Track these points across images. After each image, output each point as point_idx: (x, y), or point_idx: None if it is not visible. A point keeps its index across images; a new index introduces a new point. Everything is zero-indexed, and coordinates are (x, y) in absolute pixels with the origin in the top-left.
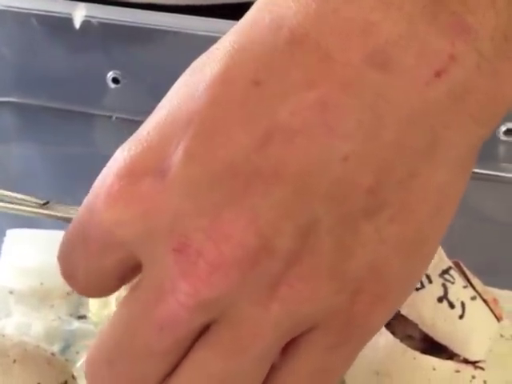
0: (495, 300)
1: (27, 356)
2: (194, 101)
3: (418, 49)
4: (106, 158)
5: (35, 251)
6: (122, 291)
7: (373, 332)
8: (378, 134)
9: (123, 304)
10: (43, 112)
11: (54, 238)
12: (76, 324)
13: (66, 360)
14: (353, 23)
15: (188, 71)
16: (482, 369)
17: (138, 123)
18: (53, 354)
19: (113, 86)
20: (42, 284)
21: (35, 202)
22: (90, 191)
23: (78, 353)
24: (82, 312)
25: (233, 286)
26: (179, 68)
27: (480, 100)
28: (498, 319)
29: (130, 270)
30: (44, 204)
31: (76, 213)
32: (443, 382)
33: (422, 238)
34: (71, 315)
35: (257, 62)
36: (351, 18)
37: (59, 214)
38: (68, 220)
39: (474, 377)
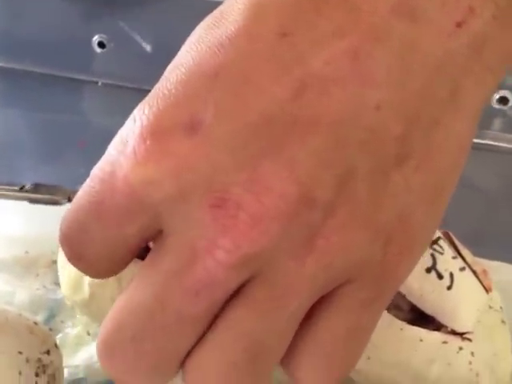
0: (485, 271)
1: (8, 324)
2: (217, 56)
3: (440, 0)
4: (91, 124)
5: (20, 220)
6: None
7: (399, 285)
8: (407, 83)
9: (143, 275)
10: (27, 77)
11: (38, 207)
12: (61, 293)
13: (51, 329)
14: None
15: (201, 29)
16: (469, 340)
17: (125, 89)
18: (35, 323)
19: (99, 50)
20: (26, 253)
21: (11, 189)
22: (105, 157)
23: (62, 322)
24: None
25: (274, 239)
26: (166, 31)
27: (495, 51)
28: (487, 290)
29: (145, 240)
30: (20, 189)
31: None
32: (430, 353)
33: (442, 188)
34: (56, 284)
35: (281, 15)
36: None
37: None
38: (45, 201)
39: (461, 348)
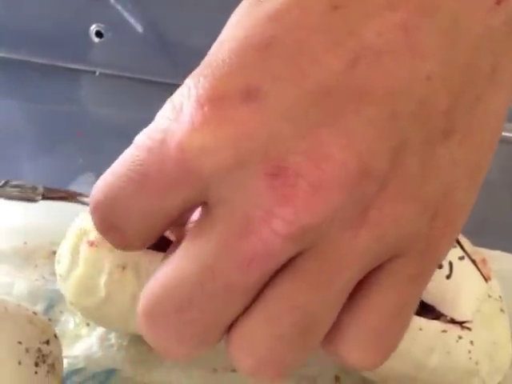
0: (484, 260)
1: (7, 315)
2: (268, 27)
3: None
4: (89, 114)
5: (19, 211)
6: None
7: (441, 260)
8: (454, 57)
9: (190, 246)
10: (24, 67)
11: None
12: None
13: (50, 320)
14: None
15: (247, 5)
16: (468, 329)
17: (123, 78)
18: (35, 313)
19: (96, 39)
20: (25, 243)
21: None
22: (153, 125)
23: (61, 312)
24: None
25: (334, 209)
26: (165, 19)
27: None
28: (486, 279)
29: (184, 212)
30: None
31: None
32: (429, 342)
33: (482, 164)
34: (55, 275)
35: None
36: None
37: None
38: (18, 198)
39: (460, 337)
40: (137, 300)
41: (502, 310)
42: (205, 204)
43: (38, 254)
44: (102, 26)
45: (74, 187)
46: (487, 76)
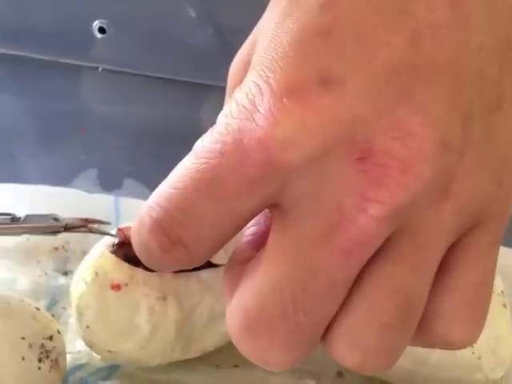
0: None
1: (11, 310)
2: (324, 16)
3: None
4: (91, 110)
5: (20, 205)
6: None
7: (506, 225)
8: (496, 27)
9: (277, 249)
10: (27, 63)
11: (38, 192)
12: (62, 280)
13: (53, 316)
14: None
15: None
16: None
17: (126, 75)
18: (38, 309)
19: (99, 35)
20: (27, 239)
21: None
22: (220, 129)
23: (64, 308)
24: (69, 267)
25: (424, 184)
26: (169, 15)
27: None
28: None
29: (256, 215)
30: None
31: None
32: None
33: None
34: (57, 271)
35: None
36: None
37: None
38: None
39: None
40: (180, 326)
41: (504, 305)
42: (277, 205)
43: (40, 250)
44: (105, 21)
45: (76, 184)
46: None
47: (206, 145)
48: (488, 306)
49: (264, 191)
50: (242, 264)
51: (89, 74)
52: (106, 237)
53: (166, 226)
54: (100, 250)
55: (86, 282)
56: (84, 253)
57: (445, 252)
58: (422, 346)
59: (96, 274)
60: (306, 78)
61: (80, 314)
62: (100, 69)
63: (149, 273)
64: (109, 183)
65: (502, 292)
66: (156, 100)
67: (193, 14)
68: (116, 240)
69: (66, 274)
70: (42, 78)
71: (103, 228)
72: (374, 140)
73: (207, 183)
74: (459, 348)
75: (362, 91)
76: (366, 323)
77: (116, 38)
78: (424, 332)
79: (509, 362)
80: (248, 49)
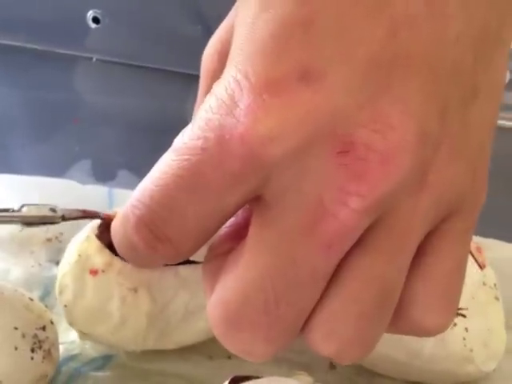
0: (479, 248)
1: (4, 300)
2: (304, 5)
3: None
4: (85, 101)
5: (14, 197)
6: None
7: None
8: (472, 16)
9: (258, 242)
10: (20, 53)
11: (32, 183)
12: (56, 270)
13: (46, 306)
14: None
15: None
16: (463, 316)
17: (120, 65)
18: (31, 299)
19: (93, 25)
20: (21, 230)
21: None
22: (202, 125)
23: (57, 299)
24: (62, 258)
25: (403, 176)
26: (163, 5)
27: None
28: (481, 267)
29: (239, 208)
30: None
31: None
32: None
33: (497, 117)
34: (51, 261)
35: None
36: None
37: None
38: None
39: (455, 324)
40: (153, 318)
41: (496, 298)
42: (258, 198)
43: (34, 241)
44: (99, 11)
45: (69, 175)
46: (496, 34)
47: (186, 141)
48: (460, 293)
49: (247, 186)
50: (221, 257)
51: (83, 64)
52: (94, 220)
53: (150, 223)
54: (86, 233)
55: (69, 263)
56: None
57: (421, 239)
58: (396, 333)
59: (79, 256)
60: (286, 72)
61: (60, 293)
62: (94, 59)
63: (125, 263)
64: (103, 174)
65: (495, 285)
66: (150, 91)
67: (187, 4)
68: (100, 223)
69: (59, 264)
70: (35, 68)
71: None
72: (355, 133)
73: (189, 180)
74: (432, 335)
75: (342, 84)
76: (342, 313)
77: (110, 28)
78: (398, 319)
79: (501, 354)
80: (222, 38)
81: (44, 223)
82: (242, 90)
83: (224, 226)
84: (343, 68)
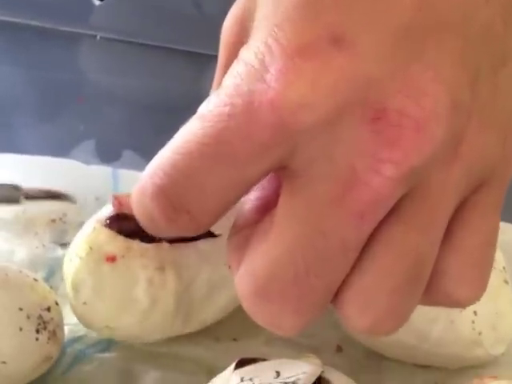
0: None
1: (9, 281)
2: None
3: None
4: (89, 79)
5: (17, 177)
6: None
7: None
8: None
9: (287, 213)
10: (23, 31)
11: (35, 163)
12: (60, 251)
13: (51, 287)
14: None
15: None
16: None
17: (125, 43)
18: (35, 280)
19: (97, 2)
20: (24, 211)
21: None
22: (229, 91)
23: (62, 280)
24: (66, 239)
25: (438, 144)
26: None
27: None
28: None
29: (261, 179)
30: None
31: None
32: (433, 312)
33: None
34: (55, 242)
35: None
36: None
37: None
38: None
39: (464, 307)
40: (179, 298)
41: (505, 281)
42: (286, 167)
43: (38, 222)
44: None
45: (74, 154)
46: None
47: (212, 108)
48: (491, 266)
49: (274, 155)
50: (247, 230)
51: (87, 42)
52: (99, 212)
53: (171, 193)
54: (92, 225)
55: (80, 258)
56: (82, 224)
57: (453, 211)
58: (428, 305)
59: (90, 248)
60: (317, 35)
61: (76, 291)
62: (98, 37)
63: (145, 244)
64: (107, 155)
65: (504, 268)
66: (156, 70)
67: None
68: (111, 210)
69: (63, 245)
70: (38, 46)
71: (66, 203)
72: (388, 100)
73: (215, 148)
74: (463, 306)
75: (374, 50)
76: (376, 286)
77: (114, 5)
78: (430, 291)
79: (509, 338)
80: (243, 8)
81: (7, 201)
82: (272, 54)
83: (252, 199)
84: (375, 34)
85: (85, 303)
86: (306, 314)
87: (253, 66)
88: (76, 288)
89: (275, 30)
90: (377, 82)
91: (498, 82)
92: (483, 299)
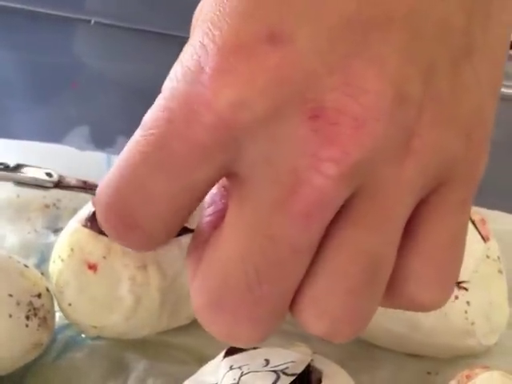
0: (483, 220)
1: None
2: None
3: None
4: (83, 65)
5: (11, 162)
6: None
7: (479, 182)
8: None
9: (235, 220)
10: (16, 15)
11: (29, 148)
12: (52, 237)
13: (42, 273)
14: None
15: None
16: (465, 289)
17: (120, 28)
18: (26, 266)
19: None
20: (18, 196)
21: None
22: (166, 95)
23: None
24: (60, 225)
25: (379, 140)
26: None
27: None
28: (485, 240)
29: (212, 186)
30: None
31: None
32: None
33: (499, 78)
34: (48, 228)
35: None
36: None
37: None
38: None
39: (456, 297)
40: (164, 294)
41: (499, 271)
42: (231, 175)
43: (31, 207)
44: None
45: (68, 140)
46: None
47: (151, 114)
48: (459, 267)
49: (217, 158)
50: (202, 245)
51: (81, 27)
52: (79, 211)
53: (120, 210)
54: (74, 225)
55: (62, 260)
56: (76, 210)
57: (410, 211)
58: (392, 308)
59: (72, 250)
60: (254, 34)
61: (61, 293)
62: (92, 21)
63: None
64: (101, 140)
65: (498, 257)
66: (150, 55)
67: None
68: (92, 210)
69: (56, 231)
70: (33, 31)
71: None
72: (326, 97)
73: (157, 155)
74: (429, 310)
75: (311, 46)
76: (330, 290)
77: None
78: (393, 294)
79: (502, 328)
80: (199, 8)
81: (36, 186)
82: (207, 55)
83: (206, 215)
84: (314, 28)
85: (70, 304)
86: (262, 323)
87: (189, 68)
88: (60, 290)
89: (211, 29)
90: (314, 78)
91: (461, 76)
92: (477, 289)
